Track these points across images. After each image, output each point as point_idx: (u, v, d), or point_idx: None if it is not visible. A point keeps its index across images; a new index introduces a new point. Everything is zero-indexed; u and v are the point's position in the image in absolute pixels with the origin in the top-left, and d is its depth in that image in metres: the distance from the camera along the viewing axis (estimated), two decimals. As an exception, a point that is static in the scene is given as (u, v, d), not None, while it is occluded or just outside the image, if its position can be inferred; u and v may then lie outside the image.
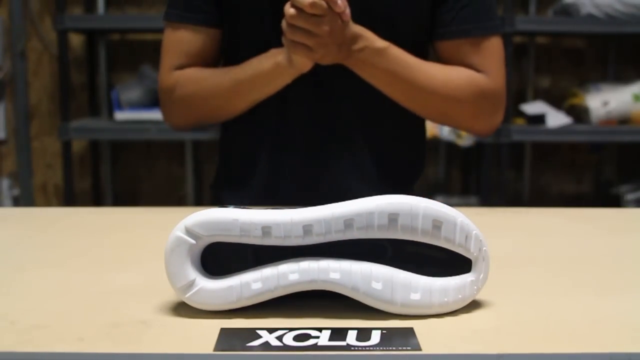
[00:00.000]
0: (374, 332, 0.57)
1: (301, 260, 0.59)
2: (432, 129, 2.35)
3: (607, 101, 2.46)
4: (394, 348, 0.54)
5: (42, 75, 2.75)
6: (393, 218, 0.59)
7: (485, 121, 1.10)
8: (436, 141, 2.41)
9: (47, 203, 2.81)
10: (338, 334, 0.56)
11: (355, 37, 0.99)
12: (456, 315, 0.61)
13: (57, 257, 0.81)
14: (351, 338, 0.55)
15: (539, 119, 2.47)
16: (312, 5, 0.93)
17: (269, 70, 1.03)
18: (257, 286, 0.59)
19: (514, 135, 2.40)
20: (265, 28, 1.07)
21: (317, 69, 1.03)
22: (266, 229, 0.59)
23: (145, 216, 1.05)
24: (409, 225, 0.59)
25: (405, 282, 0.59)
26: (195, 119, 1.14)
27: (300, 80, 1.05)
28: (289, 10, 0.95)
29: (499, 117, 1.10)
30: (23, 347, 0.54)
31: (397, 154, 1.14)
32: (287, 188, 1.11)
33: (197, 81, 1.09)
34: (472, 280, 0.61)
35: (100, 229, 0.96)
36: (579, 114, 2.51)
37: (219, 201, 1.17)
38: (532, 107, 2.55)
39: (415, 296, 0.59)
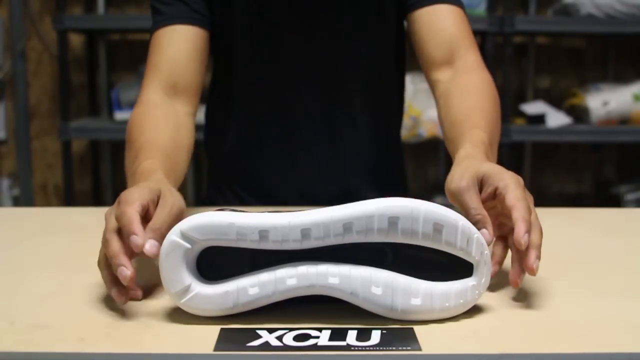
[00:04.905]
0: (374, 332, 0.57)
1: (299, 265, 0.58)
2: (432, 128, 2.35)
3: (607, 101, 2.45)
4: (394, 348, 0.54)
5: (42, 75, 2.75)
6: (393, 221, 0.58)
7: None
8: (436, 141, 2.40)
9: (47, 203, 2.81)
10: (338, 334, 0.56)
11: None
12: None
13: (57, 257, 0.81)
14: (351, 338, 0.55)
15: (539, 119, 2.47)
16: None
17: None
18: (254, 291, 0.58)
19: (514, 135, 2.40)
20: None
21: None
22: (263, 233, 0.58)
23: (145, 216, 1.05)
24: (410, 229, 0.58)
25: (405, 286, 0.59)
26: None
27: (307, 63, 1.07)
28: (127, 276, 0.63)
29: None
30: (23, 347, 0.54)
31: (385, 105, 1.18)
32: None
33: (127, 140, 0.99)
34: (473, 285, 0.61)
35: (100, 229, 0.95)
36: (579, 114, 2.51)
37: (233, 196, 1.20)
38: (532, 107, 2.55)
39: (416, 301, 0.59)
